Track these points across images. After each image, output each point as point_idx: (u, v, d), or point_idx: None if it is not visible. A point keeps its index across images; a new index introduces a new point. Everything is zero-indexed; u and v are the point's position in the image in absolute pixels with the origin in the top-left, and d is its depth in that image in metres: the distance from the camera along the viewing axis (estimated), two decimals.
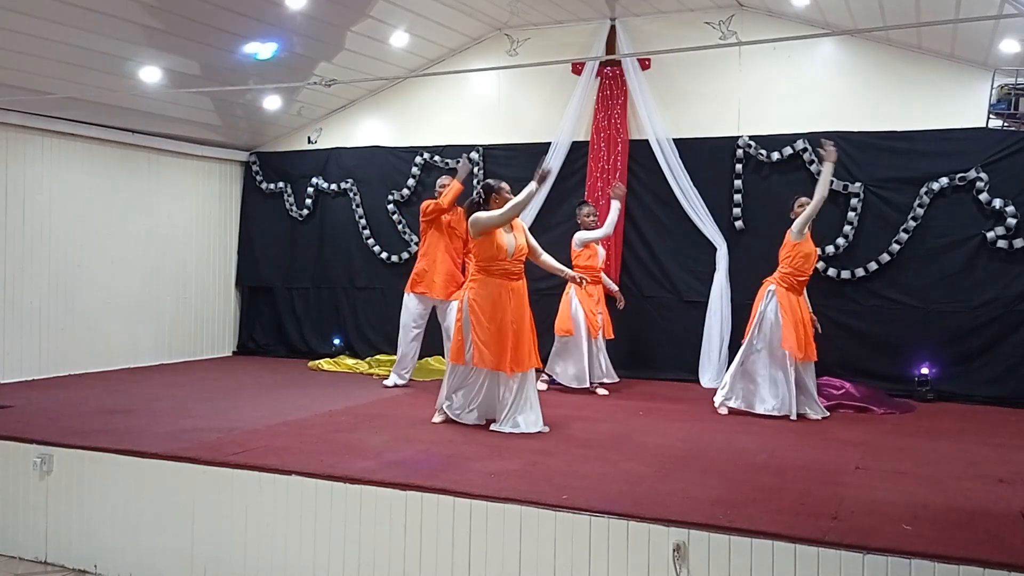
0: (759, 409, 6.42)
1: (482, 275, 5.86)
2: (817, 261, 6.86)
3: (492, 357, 5.74)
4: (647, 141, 8.19)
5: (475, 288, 5.86)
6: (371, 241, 9.39)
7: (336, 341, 9.41)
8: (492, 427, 5.78)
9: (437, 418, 6.05)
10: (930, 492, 4.37)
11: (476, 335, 5.76)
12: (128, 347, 8.82)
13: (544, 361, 7.01)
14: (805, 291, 6.67)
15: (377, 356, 8.90)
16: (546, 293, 7.88)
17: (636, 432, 5.79)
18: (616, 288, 7.91)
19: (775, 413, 6.36)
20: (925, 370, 7.33)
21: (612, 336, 7.63)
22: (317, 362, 8.96)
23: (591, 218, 7.55)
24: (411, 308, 7.55)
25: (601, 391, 7.39)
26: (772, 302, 6.49)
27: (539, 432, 5.70)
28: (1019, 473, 4.82)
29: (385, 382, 7.73)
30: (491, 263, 5.82)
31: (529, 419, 5.76)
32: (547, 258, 6.17)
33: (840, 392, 6.89)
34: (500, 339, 5.74)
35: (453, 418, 5.97)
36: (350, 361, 8.92)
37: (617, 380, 7.57)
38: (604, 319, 7.55)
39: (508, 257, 5.81)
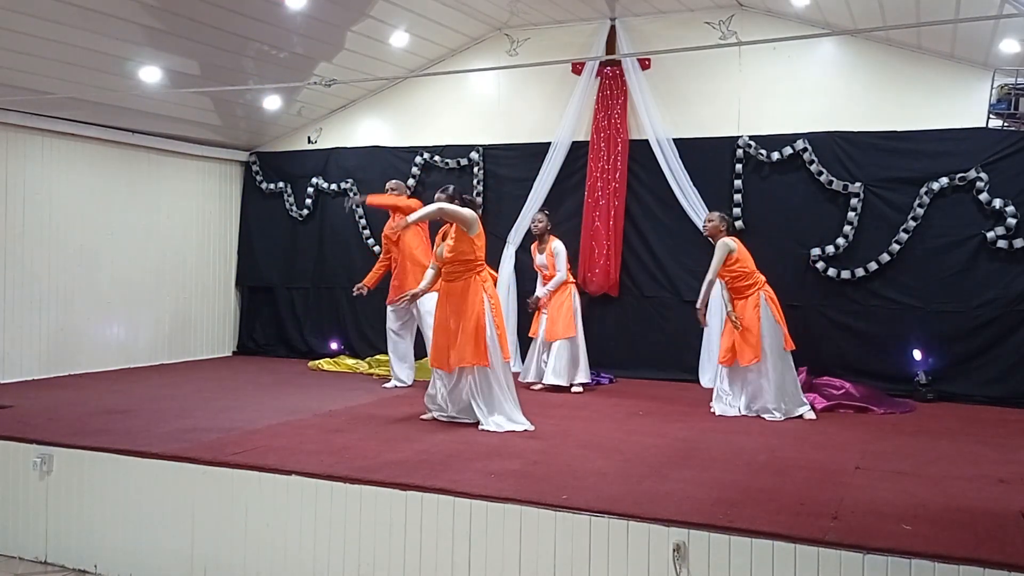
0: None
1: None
2: (818, 261, 6.90)
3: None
4: (647, 141, 8.19)
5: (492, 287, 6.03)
6: (371, 241, 9.38)
7: (333, 346, 9.41)
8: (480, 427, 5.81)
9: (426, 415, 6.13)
10: (930, 492, 4.37)
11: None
12: (128, 347, 8.82)
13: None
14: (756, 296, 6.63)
15: (377, 356, 8.89)
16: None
17: (636, 432, 5.79)
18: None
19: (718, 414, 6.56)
20: (925, 370, 7.33)
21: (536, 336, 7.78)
22: (317, 362, 8.97)
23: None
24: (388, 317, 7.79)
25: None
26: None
27: (527, 431, 5.72)
28: (1019, 473, 4.82)
29: (385, 384, 7.74)
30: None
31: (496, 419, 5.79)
32: None
33: (840, 392, 6.90)
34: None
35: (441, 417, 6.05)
36: (350, 361, 8.92)
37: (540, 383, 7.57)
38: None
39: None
